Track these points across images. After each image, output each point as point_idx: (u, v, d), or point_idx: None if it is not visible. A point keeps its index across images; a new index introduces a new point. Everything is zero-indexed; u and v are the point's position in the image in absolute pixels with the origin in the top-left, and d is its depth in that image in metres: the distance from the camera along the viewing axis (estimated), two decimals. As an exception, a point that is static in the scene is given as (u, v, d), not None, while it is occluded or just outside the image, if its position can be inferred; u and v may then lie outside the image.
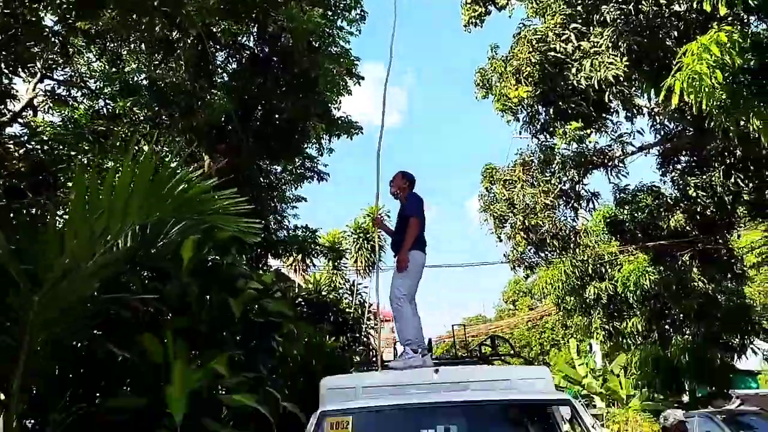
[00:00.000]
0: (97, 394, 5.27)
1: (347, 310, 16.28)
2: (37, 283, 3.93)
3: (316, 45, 9.23)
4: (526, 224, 14.82)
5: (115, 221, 4.13)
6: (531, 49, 10.45)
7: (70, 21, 8.36)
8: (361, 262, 23.85)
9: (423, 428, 4.10)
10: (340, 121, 11.55)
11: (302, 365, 7.06)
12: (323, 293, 14.92)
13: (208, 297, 5.88)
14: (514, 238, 15.27)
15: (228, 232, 5.98)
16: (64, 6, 8.11)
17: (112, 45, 10.36)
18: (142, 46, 9.60)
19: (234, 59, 10.98)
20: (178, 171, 4.38)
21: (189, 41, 8.99)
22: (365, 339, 18.33)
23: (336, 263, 20.45)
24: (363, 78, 10.80)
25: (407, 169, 6.32)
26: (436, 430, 4.01)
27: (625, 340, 21.89)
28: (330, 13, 10.43)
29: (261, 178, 11.64)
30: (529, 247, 15.80)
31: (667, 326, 20.21)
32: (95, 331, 5.19)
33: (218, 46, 9.95)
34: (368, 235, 24.60)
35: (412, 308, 5.52)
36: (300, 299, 11.57)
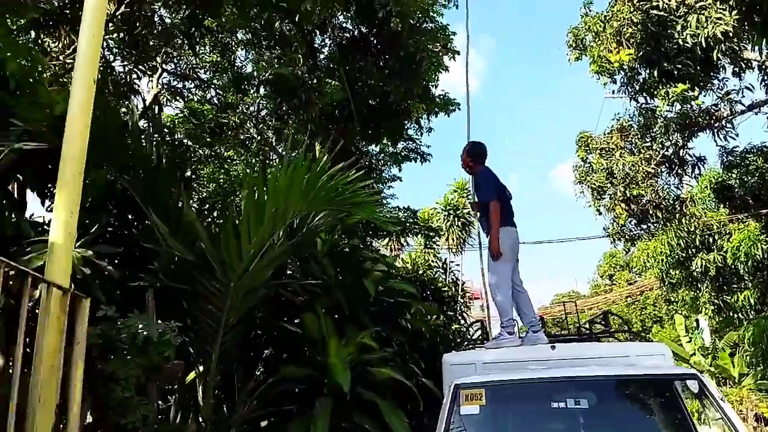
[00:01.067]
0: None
1: (443, 288, 16.62)
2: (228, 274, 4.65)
3: (419, 25, 9.42)
4: (627, 195, 14.45)
5: (280, 217, 4.76)
6: (632, 8, 10.11)
7: (191, 17, 9.12)
8: (453, 239, 23.99)
9: (553, 402, 4.22)
10: (438, 99, 11.82)
11: (430, 342, 7.45)
12: (420, 272, 15.29)
13: (341, 278, 6.42)
14: (614, 210, 14.94)
15: (355, 218, 6.56)
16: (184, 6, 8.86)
17: (223, 37, 11.13)
18: (256, 39, 10.31)
19: (333, 42, 11.41)
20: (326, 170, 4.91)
21: (302, 34, 9.51)
22: (459, 317, 18.65)
23: (429, 241, 20.79)
24: (458, 53, 11.09)
25: (485, 136, 6.04)
26: (567, 404, 4.16)
27: (736, 315, 20.76)
28: None
29: (362, 159, 12.13)
30: (630, 219, 15.39)
31: (782, 299, 19.06)
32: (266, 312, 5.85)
33: (317, 30, 10.42)
34: (458, 212, 24.71)
35: (509, 289, 5.42)
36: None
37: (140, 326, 4.37)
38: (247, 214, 4.97)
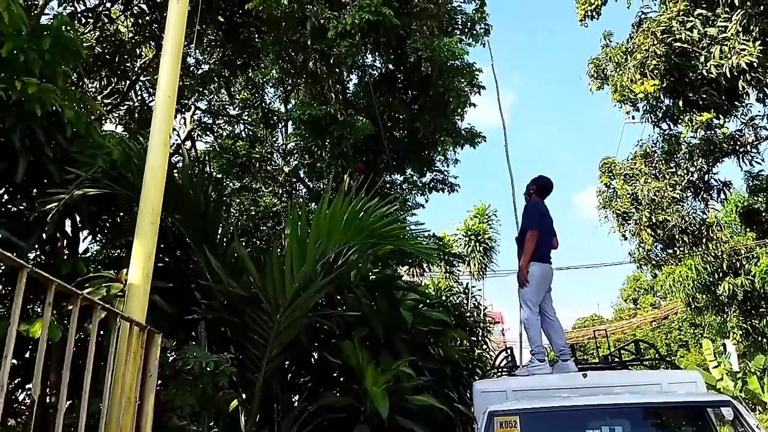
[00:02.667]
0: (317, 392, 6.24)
1: (466, 314, 16.84)
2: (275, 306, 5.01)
3: (447, 66, 9.90)
4: (653, 220, 14.56)
5: (321, 252, 5.12)
6: (655, 41, 10.44)
7: (228, 63, 9.73)
8: (474, 264, 24.24)
9: (588, 429, 4.29)
10: (464, 133, 12.20)
11: (458, 369, 7.69)
12: (443, 298, 15.53)
13: (375, 307, 6.74)
14: (640, 236, 15.06)
15: (389, 248, 6.90)
16: (228, 53, 9.46)
17: (255, 75, 11.78)
18: (288, 78, 10.97)
19: (362, 78, 11.98)
20: (367, 205, 5.26)
21: (334, 72, 10.06)
22: (483, 342, 18.81)
23: (451, 267, 21.02)
24: (484, 87, 11.45)
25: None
26: (601, 431, 4.25)
27: (765, 339, 20.58)
28: (458, 33, 11.32)
29: (387, 189, 12.55)
30: (656, 244, 15.49)
31: (812, 323, 18.89)
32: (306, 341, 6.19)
33: (346, 70, 10.97)
34: (479, 237, 24.97)
35: (537, 318, 5.59)
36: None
37: (197, 357, 4.73)
38: (290, 251, 5.34)
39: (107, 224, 5.37)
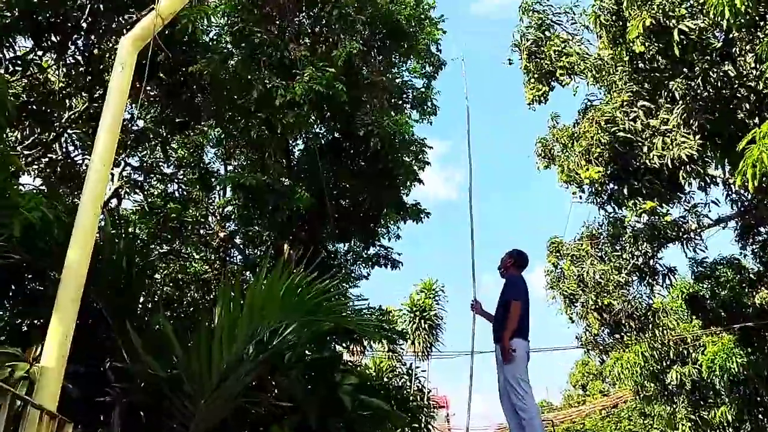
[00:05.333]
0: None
1: (409, 398, 16.73)
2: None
3: (397, 142, 10.46)
4: (599, 303, 15.20)
5: (255, 328, 5.13)
6: (599, 130, 11.33)
7: (168, 122, 9.87)
8: (419, 343, 24.26)
9: None
10: (410, 208, 12.68)
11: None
12: (384, 379, 15.41)
13: (312, 390, 6.68)
14: (587, 319, 15.62)
15: (327, 326, 6.95)
16: (167, 111, 9.62)
17: (194, 136, 12.01)
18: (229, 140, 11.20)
19: (307, 146, 12.41)
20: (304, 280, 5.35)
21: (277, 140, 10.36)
22: (425, 430, 18.59)
23: (394, 346, 21.00)
24: (429, 164, 12.09)
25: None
26: None
27: (714, 432, 21.25)
28: (408, 107, 12.04)
29: (330, 259, 12.84)
30: (603, 328, 16.08)
31: (761, 415, 19.70)
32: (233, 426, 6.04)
33: (291, 138, 11.32)
34: (425, 314, 25.15)
35: (536, 404, 5.65)
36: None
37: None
38: (220, 326, 5.31)
39: (17, 293, 5.21)
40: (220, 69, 9.52)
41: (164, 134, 11.38)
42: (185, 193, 13.57)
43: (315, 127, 11.44)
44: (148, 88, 10.66)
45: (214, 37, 10.76)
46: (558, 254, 17.00)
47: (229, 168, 14.04)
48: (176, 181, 13.42)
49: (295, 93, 9.09)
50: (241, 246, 14.11)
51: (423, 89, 12.64)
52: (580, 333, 16.88)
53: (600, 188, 13.37)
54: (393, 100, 11.80)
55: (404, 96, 12.34)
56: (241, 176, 9.93)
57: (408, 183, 11.72)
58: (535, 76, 12.90)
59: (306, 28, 10.93)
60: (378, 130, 10.03)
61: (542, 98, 13.07)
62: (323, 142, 11.98)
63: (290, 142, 12.17)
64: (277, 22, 10.56)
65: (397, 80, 12.18)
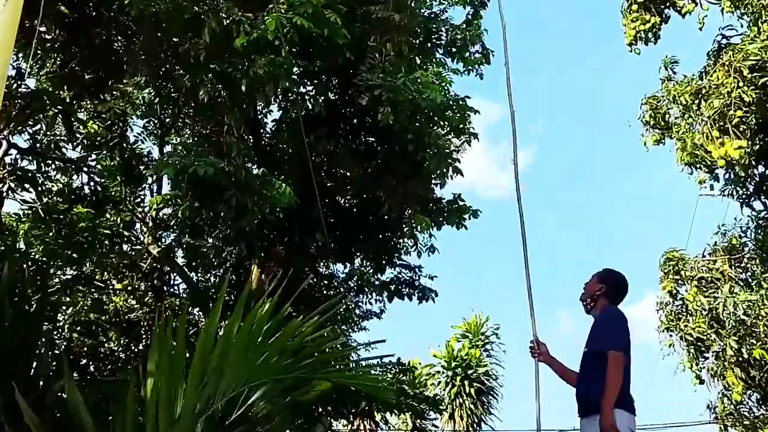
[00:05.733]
0: None
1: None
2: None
3: (422, 108, 10.41)
4: (744, 354, 14.87)
5: (208, 396, 5.14)
6: (741, 81, 11.17)
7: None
8: (462, 416, 23.97)
9: None
10: (447, 208, 12.42)
11: None
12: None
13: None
14: (723, 378, 15.31)
15: (318, 390, 6.96)
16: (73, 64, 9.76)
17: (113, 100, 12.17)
18: (170, 109, 11.32)
19: (286, 115, 12.36)
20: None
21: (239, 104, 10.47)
22: None
23: (423, 419, 20.73)
24: (476, 135, 11.88)
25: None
26: None
27: None
28: (439, 53, 11.99)
29: (323, 288, 12.81)
30: (749, 393, 15.76)
31: None
32: None
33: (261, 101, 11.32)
34: (470, 372, 24.87)
35: None
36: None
37: None
38: (155, 398, 5.33)
39: None
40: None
41: (67, 98, 11.24)
42: (100, 188, 13.20)
43: (297, 84, 11.32)
44: (43, 28, 10.71)
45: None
46: (678, 277, 16.67)
47: (167, 149, 13.94)
48: (86, 170, 13.10)
49: (267, 29, 8.94)
50: (186, 269, 13.80)
51: (464, 26, 12.41)
52: (714, 400, 16.61)
53: (743, 173, 13.12)
54: (417, 44, 11.72)
55: (434, 37, 12.18)
56: (185, 161, 9.57)
57: (441, 170, 11.47)
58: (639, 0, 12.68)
59: None
60: (388, 93, 9.88)
61: (650, 34, 12.85)
62: (310, 107, 11.75)
63: (260, 108, 12.10)
64: None
65: (423, 12, 12.05)
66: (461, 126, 11.55)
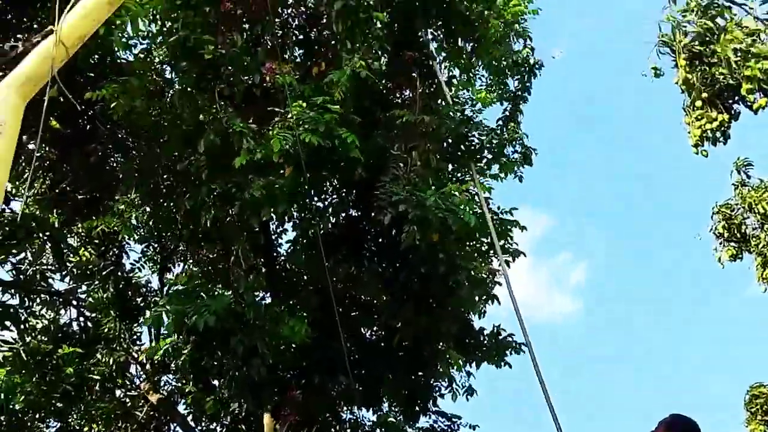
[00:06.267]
0: None
1: None
2: None
3: (454, 226, 9.86)
4: None
5: None
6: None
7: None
8: None
9: None
10: (486, 342, 11.78)
11: None
12: None
13: None
14: None
15: None
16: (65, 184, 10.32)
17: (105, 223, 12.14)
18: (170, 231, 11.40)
19: (304, 233, 11.92)
20: None
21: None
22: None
23: None
24: (523, 254, 11.40)
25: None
26: None
27: None
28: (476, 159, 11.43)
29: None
30: None
31: None
32: None
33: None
34: None
35: None
36: None
37: None
38: None
39: None
40: (148, 105, 9.19)
41: (56, 223, 11.00)
42: (90, 324, 12.94)
43: (310, 199, 10.94)
44: (31, 144, 10.62)
45: (141, 55, 10.67)
46: None
47: (168, 277, 13.51)
48: (75, 303, 12.84)
49: (271, 148, 8.80)
50: (190, 418, 13.21)
51: (501, 123, 12.36)
52: None
53: None
54: (449, 150, 11.31)
55: (468, 141, 11.51)
56: (184, 305, 9.39)
57: (473, 299, 11.01)
58: (703, 95, 11.71)
59: (293, 34, 10.88)
60: (415, 210, 9.43)
61: (719, 133, 11.91)
62: (330, 225, 11.45)
63: (273, 227, 11.97)
64: (245, 27, 10.26)
65: (452, 115, 11.52)
66: (504, 243, 11.14)
